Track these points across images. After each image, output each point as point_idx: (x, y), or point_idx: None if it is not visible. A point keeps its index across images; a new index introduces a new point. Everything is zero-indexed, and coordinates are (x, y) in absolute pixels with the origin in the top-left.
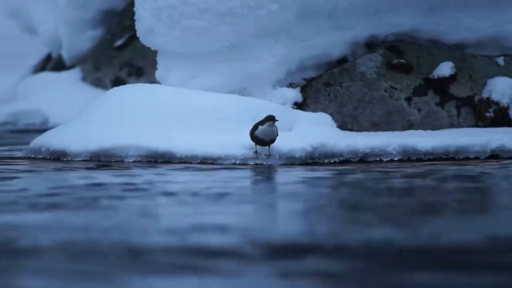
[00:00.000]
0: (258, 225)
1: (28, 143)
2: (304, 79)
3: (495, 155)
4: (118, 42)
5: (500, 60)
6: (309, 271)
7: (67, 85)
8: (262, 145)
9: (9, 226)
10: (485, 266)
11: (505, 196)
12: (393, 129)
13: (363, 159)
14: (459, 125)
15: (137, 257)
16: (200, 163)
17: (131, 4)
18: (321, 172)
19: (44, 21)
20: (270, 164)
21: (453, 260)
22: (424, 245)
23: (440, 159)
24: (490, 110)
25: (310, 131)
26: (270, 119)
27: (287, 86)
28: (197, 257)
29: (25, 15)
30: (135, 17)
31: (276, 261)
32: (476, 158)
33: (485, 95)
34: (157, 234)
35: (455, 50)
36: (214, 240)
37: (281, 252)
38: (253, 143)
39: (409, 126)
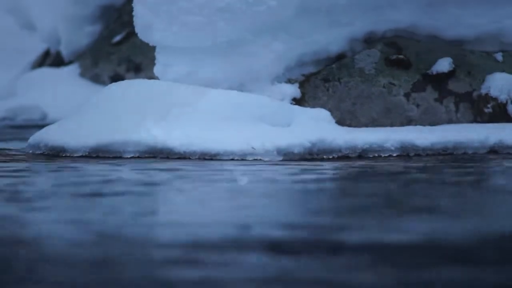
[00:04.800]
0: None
1: (26, 139)
2: (303, 75)
3: (494, 151)
4: (117, 38)
5: (499, 56)
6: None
7: (66, 81)
8: None
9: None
10: None
11: None
12: (391, 125)
13: (362, 155)
14: (458, 121)
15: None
16: (199, 158)
17: (130, 0)
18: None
19: (42, 17)
20: (268, 160)
21: None
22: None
23: (439, 154)
24: (489, 105)
25: (308, 127)
26: None
27: (285, 82)
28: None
29: (23, 11)
30: (134, 13)
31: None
32: (475, 153)
33: (483, 91)
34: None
35: (454, 46)
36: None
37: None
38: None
39: (408, 122)
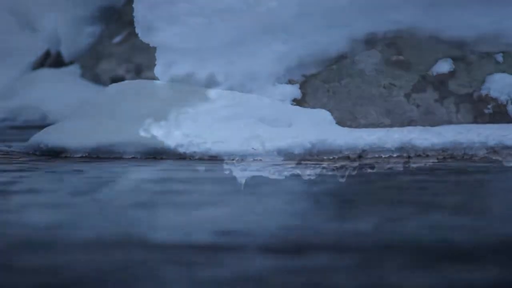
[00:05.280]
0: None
1: (27, 139)
2: (304, 75)
3: (494, 151)
4: (117, 39)
5: (499, 57)
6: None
7: (66, 82)
8: None
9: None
10: None
11: None
12: (392, 125)
13: (362, 156)
14: (458, 122)
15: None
16: (198, 159)
17: (131, 0)
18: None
19: (42, 17)
20: (268, 161)
21: None
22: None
23: (439, 155)
24: (489, 106)
25: (309, 127)
26: None
27: (286, 83)
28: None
29: (23, 11)
30: (134, 13)
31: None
32: (475, 154)
33: (483, 91)
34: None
35: (454, 47)
36: None
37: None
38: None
39: (408, 122)
